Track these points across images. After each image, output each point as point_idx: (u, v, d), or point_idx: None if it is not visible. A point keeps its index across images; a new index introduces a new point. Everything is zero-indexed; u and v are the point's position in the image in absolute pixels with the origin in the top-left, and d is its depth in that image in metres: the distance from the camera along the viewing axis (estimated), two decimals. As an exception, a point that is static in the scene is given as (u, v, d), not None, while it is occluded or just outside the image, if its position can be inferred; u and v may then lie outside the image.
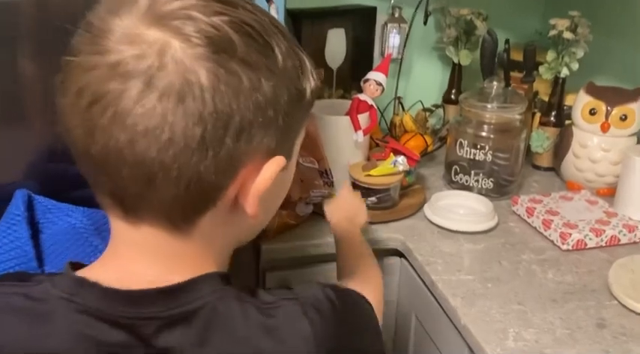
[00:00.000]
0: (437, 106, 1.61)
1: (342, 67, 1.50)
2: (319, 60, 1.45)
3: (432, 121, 1.61)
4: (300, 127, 0.50)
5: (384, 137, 1.30)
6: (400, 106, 1.49)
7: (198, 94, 0.40)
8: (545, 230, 1.11)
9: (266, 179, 0.45)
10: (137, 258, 0.46)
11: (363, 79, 1.20)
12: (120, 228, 0.46)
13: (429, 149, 1.44)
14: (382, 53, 1.58)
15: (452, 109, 1.57)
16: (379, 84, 1.18)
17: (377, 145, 1.25)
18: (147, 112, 0.39)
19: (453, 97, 1.58)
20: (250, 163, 0.44)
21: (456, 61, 1.55)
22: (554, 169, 1.41)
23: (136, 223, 0.44)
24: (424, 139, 1.38)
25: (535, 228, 1.15)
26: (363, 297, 0.56)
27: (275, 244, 1.08)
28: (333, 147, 1.19)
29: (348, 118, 1.17)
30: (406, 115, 1.42)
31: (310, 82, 0.48)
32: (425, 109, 1.57)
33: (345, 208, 0.98)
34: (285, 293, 0.47)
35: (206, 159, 0.41)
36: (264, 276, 1.11)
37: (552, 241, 1.10)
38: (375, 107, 1.20)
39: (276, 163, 0.46)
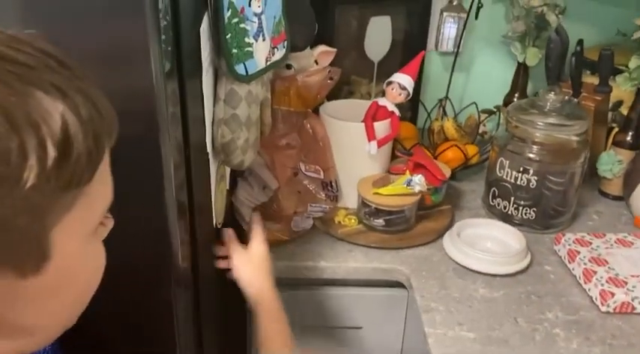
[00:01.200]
0: (498, 108, 1.40)
1: (386, 60, 1.33)
2: (357, 50, 1.29)
3: (488, 127, 1.41)
4: (32, 223, 0.33)
5: (411, 148, 1.13)
6: (442, 109, 1.30)
7: None
8: (585, 283, 0.91)
9: None
10: None
11: (386, 81, 1.03)
12: None
13: (474, 161, 1.25)
14: (436, 46, 1.39)
15: (512, 116, 1.36)
16: (403, 88, 1.01)
17: (398, 156, 1.08)
18: None
19: (515, 100, 1.37)
20: None
21: (520, 60, 1.32)
22: (624, 199, 1.18)
23: None
24: (462, 151, 1.18)
25: (575, 277, 0.94)
26: None
27: (260, 262, 0.96)
28: (345, 156, 1.04)
29: (362, 125, 1.01)
30: (448, 121, 1.23)
31: (43, 158, 0.31)
32: (482, 112, 1.36)
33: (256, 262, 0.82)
34: None
35: None
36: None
37: (591, 299, 0.89)
38: (397, 114, 1.03)
39: None
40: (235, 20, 0.72)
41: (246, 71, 0.76)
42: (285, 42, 0.87)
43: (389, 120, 1.02)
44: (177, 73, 0.59)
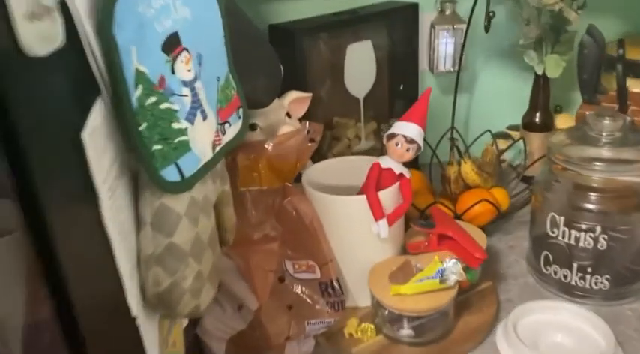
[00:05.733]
0: (515, 128, 1.15)
1: (373, 94, 1.07)
2: (337, 87, 1.02)
3: (508, 157, 1.15)
4: None
5: (427, 208, 0.85)
6: (456, 149, 1.02)
7: None
8: None
9: None
10: None
11: (386, 135, 0.75)
12: None
13: (503, 209, 0.97)
14: (431, 67, 1.12)
15: (535, 139, 1.11)
16: (411, 142, 0.73)
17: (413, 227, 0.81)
18: None
19: (537, 121, 1.12)
20: None
21: (539, 71, 1.06)
22: None
23: None
24: (493, 203, 0.91)
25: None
26: None
27: None
28: (345, 241, 0.76)
29: (363, 197, 0.73)
30: (465, 164, 0.95)
31: None
32: (496, 137, 1.08)
33: None
34: None
35: None
36: None
37: None
38: (408, 175, 0.75)
39: None
40: (152, 100, 0.45)
41: (182, 174, 0.48)
42: (241, 109, 0.59)
43: (397, 185, 0.75)
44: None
